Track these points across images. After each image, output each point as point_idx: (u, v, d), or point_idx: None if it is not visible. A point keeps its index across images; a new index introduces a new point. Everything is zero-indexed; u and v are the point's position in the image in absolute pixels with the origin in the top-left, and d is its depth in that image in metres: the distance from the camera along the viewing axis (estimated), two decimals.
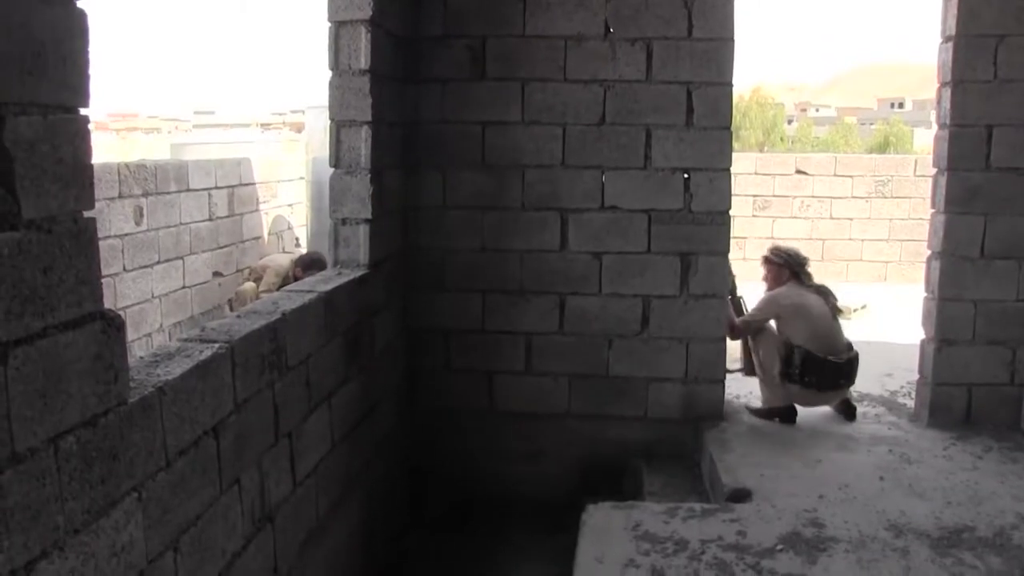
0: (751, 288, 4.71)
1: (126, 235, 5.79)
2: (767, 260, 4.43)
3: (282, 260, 6.84)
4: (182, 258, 6.37)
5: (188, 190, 6.46)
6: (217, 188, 6.89)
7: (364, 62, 3.47)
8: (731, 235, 4.22)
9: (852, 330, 4.64)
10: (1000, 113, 4.03)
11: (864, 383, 4.84)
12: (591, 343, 4.25)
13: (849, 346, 4.27)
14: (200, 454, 2.11)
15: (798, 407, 4.25)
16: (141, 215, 5.91)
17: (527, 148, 4.15)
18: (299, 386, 2.78)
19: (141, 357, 2.07)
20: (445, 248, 4.26)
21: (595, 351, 4.25)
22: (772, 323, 4.29)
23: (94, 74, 1.65)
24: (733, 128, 4.24)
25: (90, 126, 1.65)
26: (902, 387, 4.85)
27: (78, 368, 1.60)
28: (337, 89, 3.50)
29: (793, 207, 9.91)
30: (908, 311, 6.18)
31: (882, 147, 33.23)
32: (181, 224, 6.37)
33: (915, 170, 9.87)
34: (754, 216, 9.72)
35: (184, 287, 6.40)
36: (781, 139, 36.23)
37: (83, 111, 1.61)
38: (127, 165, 5.98)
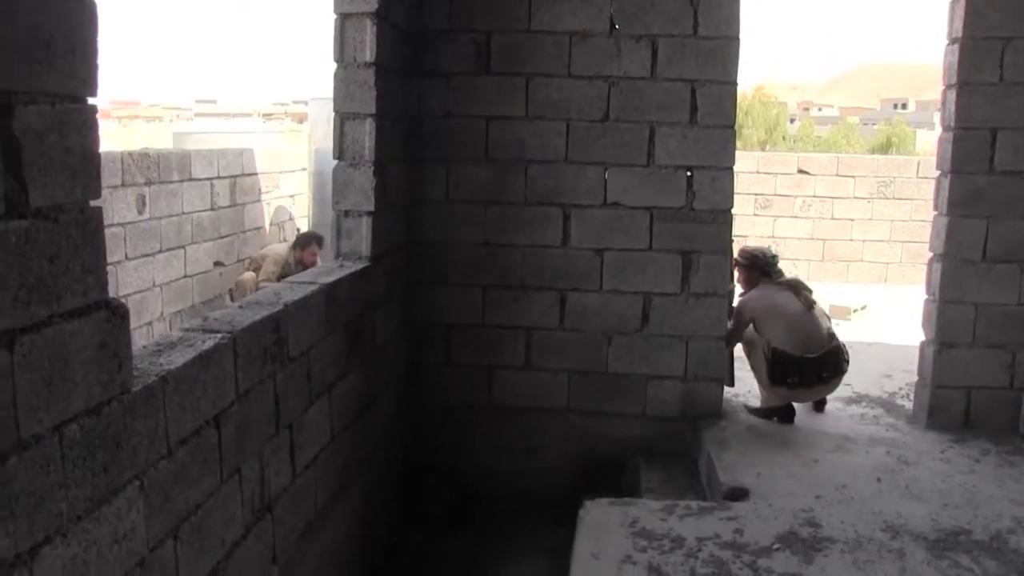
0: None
1: (128, 223, 5.79)
2: (736, 263, 4.41)
3: (280, 249, 6.84)
4: (184, 247, 6.38)
5: (191, 179, 6.46)
6: (219, 178, 6.89)
7: (369, 55, 3.47)
8: (733, 234, 4.23)
9: (851, 330, 4.66)
10: (1005, 116, 4.03)
11: (863, 384, 4.85)
12: (591, 339, 4.26)
13: (831, 336, 4.21)
14: (201, 444, 2.12)
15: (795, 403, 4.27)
16: (143, 204, 5.91)
17: (531, 143, 4.16)
18: (300, 378, 2.79)
19: (144, 346, 2.08)
20: (447, 242, 4.26)
21: (595, 347, 4.26)
22: (751, 328, 4.28)
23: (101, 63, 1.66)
24: (736, 126, 4.24)
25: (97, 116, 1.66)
26: (901, 388, 4.86)
27: (83, 357, 1.61)
28: (342, 81, 3.50)
29: (795, 207, 9.92)
30: (907, 312, 6.20)
31: (884, 148, 33.17)
32: (183, 213, 6.37)
33: (917, 171, 9.87)
34: (755, 215, 9.72)
35: (185, 276, 6.41)
36: (783, 138, 36.18)
37: (91, 101, 1.61)
38: (130, 153, 5.98)
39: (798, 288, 4.31)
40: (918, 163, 10.15)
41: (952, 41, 4.12)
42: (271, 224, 7.88)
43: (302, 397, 2.81)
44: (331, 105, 3.63)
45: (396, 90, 3.83)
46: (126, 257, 5.80)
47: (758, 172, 9.81)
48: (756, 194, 9.80)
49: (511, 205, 4.21)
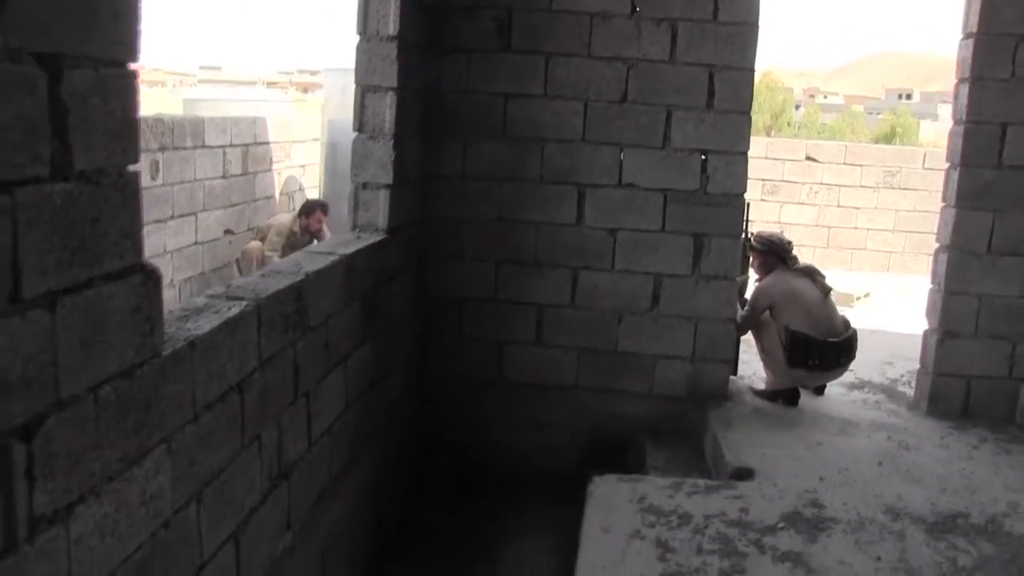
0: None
1: (142, 189, 5.78)
2: (752, 249, 4.47)
3: (284, 219, 6.86)
4: (195, 214, 6.39)
5: (204, 146, 6.46)
6: (232, 146, 6.88)
7: (392, 28, 3.48)
8: (745, 219, 4.26)
9: (854, 318, 4.69)
10: (1015, 112, 4.05)
11: (865, 370, 4.90)
12: (602, 318, 4.29)
13: (846, 324, 4.34)
14: (226, 409, 2.15)
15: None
16: (157, 169, 5.91)
17: (548, 122, 4.16)
18: (319, 347, 2.82)
19: (170, 311, 2.11)
20: (462, 217, 4.28)
21: (605, 326, 4.30)
22: (767, 313, 4.34)
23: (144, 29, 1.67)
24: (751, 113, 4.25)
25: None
26: (902, 376, 4.91)
27: (118, 319, 1.63)
28: (364, 54, 3.51)
29: (801, 193, 9.92)
30: (910, 301, 6.25)
31: (888, 137, 33.05)
32: (196, 180, 6.38)
33: (924, 163, 9.88)
34: (762, 200, 9.73)
35: (196, 243, 6.43)
36: (788, 124, 36.04)
37: (132, 66, 1.63)
38: (145, 119, 5.98)
39: (814, 275, 4.38)
40: (924, 155, 10.15)
41: (967, 36, 4.13)
42: (281, 194, 7.88)
43: (320, 366, 2.85)
44: (346, 76, 3.64)
45: (417, 64, 3.83)
46: None
47: (766, 158, 9.80)
48: (763, 179, 9.80)
49: (527, 182, 4.22)
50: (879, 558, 2.76)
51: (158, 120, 6.05)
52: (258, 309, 2.29)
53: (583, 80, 4.11)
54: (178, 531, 1.93)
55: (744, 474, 3.40)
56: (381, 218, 3.64)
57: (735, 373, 4.52)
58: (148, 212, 5.89)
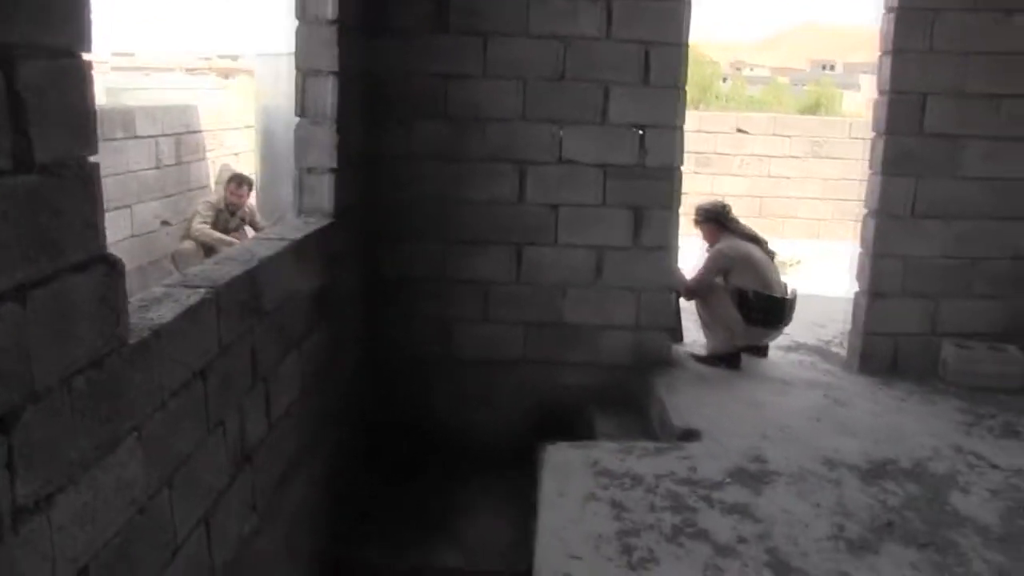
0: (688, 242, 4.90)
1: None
2: (695, 223, 4.70)
3: (209, 198, 6.84)
4: (130, 207, 6.24)
5: (135, 137, 6.31)
6: (164, 135, 6.74)
7: (331, 12, 3.47)
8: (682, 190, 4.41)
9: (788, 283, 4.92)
10: (934, 82, 4.27)
11: (800, 333, 5.13)
12: (546, 292, 4.40)
13: (786, 285, 4.61)
14: (191, 395, 2.17)
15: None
16: None
17: (488, 101, 4.22)
18: (274, 331, 2.85)
19: (130, 301, 2.12)
20: (406, 198, 4.32)
21: (550, 300, 4.40)
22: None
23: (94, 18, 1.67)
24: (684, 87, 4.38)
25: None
26: (835, 337, 5.16)
27: (85, 310, 1.65)
28: (304, 39, 3.50)
29: (733, 164, 10.20)
30: (839, 266, 6.51)
31: (813, 108, 33.94)
32: (128, 172, 6.23)
33: (849, 132, 10.25)
34: (695, 172, 9.95)
35: (132, 236, 6.29)
36: (716, 97, 36.70)
37: (86, 56, 1.63)
38: None
39: (761, 242, 4.63)
40: (850, 124, 10.53)
41: (888, 10, 4.33)
42: (216, 183, 7.74)
43: (276, 351, 2.87)
44: (276, 61, 3.62)
45: (358, 48, 3.84)
46: None
47: (699, 131, 10.02)
48: (696, 152, 10.02)
49: (469, 162, 4.28)
50: (818, 504, 2.95)
51: None
52: (217, 296, 2.31)
53: (521, 59, 4.18)
54: (152, 516, 1.96)
55: (691, 435, 3.56)
56: (327, 202, 3.66)
57: (681, 340, 4.69)
58: None
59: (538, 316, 4.42)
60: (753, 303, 4.40)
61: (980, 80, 4.25)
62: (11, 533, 1.42)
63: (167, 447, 2.04)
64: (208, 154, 7.54)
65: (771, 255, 4.65)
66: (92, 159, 1.66)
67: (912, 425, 3.78)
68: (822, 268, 8.23)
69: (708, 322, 4.58)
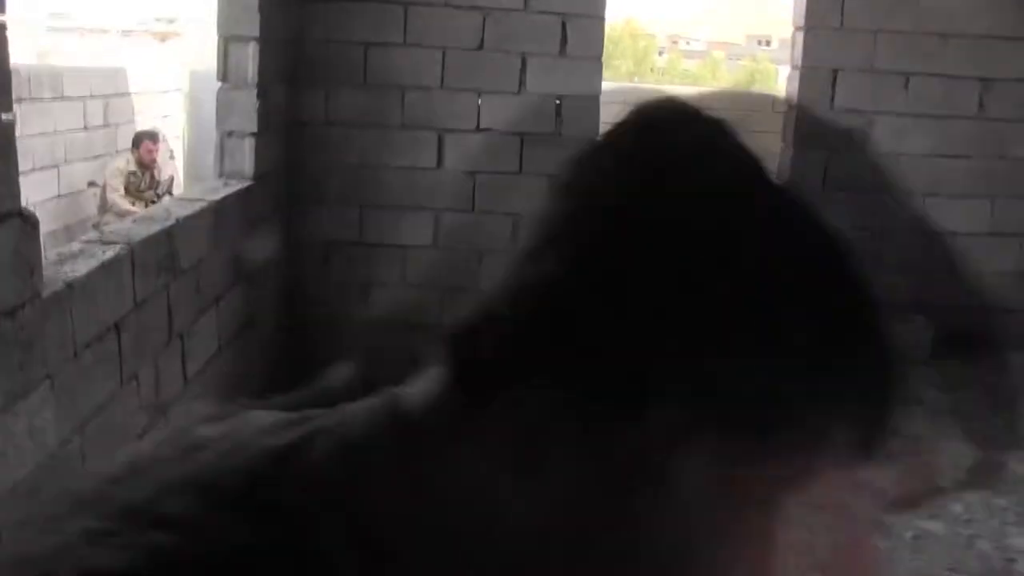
0: None
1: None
2: None
3: (119, 163, 6.54)
4: (57, 167, 6.14)
5: (63, 98, 6.20)
6: (92, 97, 6.63)
7: None
8: None
9: None
10: (845, 59, 4.51)
11: None
12: (464, 258, 4.54)
13: None
14: (104, 348, 2.27)
15: None
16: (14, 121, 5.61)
17: (408, 69, 4.31)
18: (190, 290, 2.93)
19: (47, 257, 2.19)
20: (327, 164, 4.39)
21: (467, 265, 4.55)
22: None
23: None
24: (605, 58, 4.55)
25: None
26: None
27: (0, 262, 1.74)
28: (227, 4, 3.54)
29: None
30: None
31: (748, 83, 34.71)
32: (56, 132, 6.12)
33: (772, 108, 10.61)
34: None
35: (59, 196, 6.20)
36: (651, 70, 37.17)
37: (1, 17, 1.70)
38: None
39: None
40: (773, 100, 10.90)
41: None
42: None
43: (193, 309, 2.96)
44: (206, 26, 3.65)
45: (279, 14, 3.87)
46: None
47: (627, 103, 10.23)
48: None
49: (388, 129, 4.37)
50: None
51: (13, 71, 5.70)
52: (131, 253, 2.40)
53: (441, 28, 4.27)
54: (63, 463, 2.06)
55: None
56: (247, 166, 3.72)
57: None
58: None
59: (456, 281, 4.56)
60: None
61: (889, 57, 4.50)
62: None
63: (79, 396, 2.13)
64: (136, 117, 7.40)
65: None
66: (6, 116, 1.74)
67: None
68: None
69: None
